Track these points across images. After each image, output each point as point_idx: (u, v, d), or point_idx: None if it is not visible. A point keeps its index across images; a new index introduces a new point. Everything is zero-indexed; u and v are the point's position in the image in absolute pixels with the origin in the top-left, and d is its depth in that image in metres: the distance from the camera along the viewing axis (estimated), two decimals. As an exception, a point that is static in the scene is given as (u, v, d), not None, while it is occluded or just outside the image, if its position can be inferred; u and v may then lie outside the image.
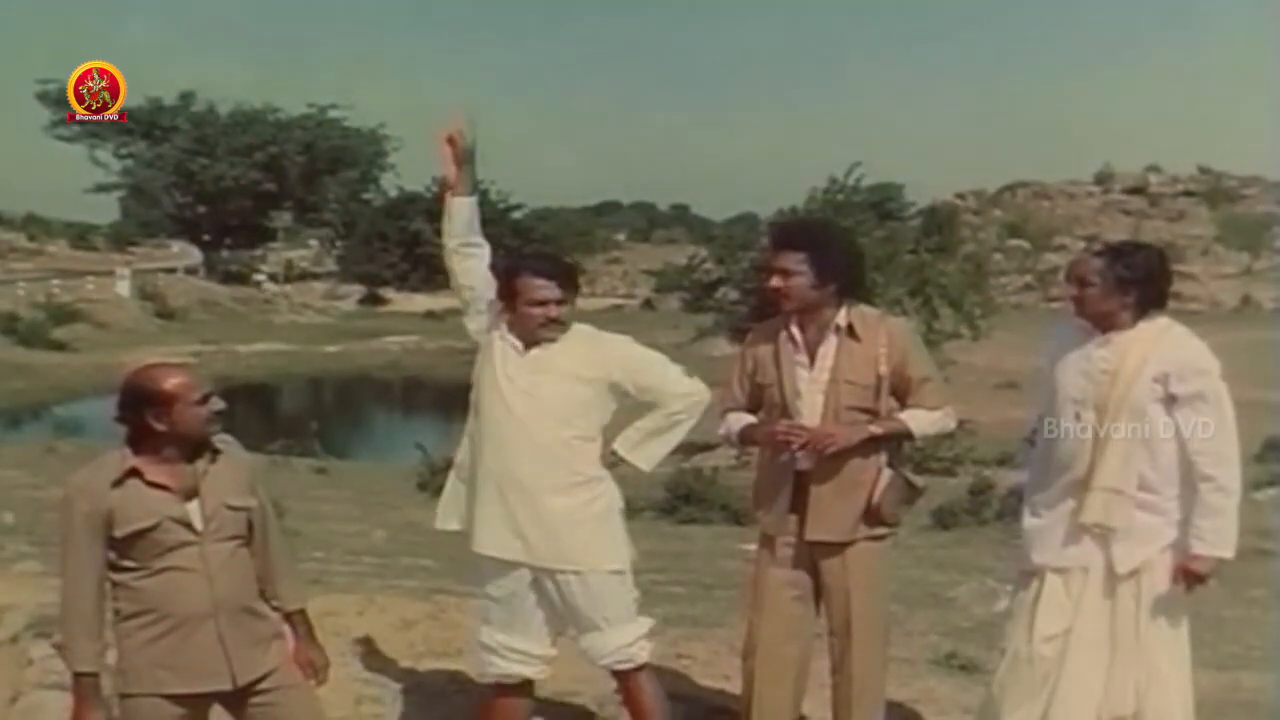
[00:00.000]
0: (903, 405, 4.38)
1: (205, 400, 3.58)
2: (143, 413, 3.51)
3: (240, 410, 35.85)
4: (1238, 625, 7.71)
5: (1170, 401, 4.10)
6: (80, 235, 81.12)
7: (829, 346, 4.33)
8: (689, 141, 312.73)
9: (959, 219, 64.51)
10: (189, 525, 3.54)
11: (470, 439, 4.45)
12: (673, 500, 14.12)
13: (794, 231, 4.67)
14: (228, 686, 3.62)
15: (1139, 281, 4.16)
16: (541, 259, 4.55)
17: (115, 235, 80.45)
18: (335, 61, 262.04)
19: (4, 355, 36.94)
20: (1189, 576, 4.13)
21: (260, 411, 33.85)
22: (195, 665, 3.56)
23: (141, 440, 3.54)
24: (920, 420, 4.35)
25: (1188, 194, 73.50)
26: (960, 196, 75.72)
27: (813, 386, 4.33)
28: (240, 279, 64.62)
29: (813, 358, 4.36)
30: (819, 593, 4.48)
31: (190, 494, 3.57)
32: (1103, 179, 76.70)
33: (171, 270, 61.43)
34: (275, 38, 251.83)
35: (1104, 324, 4.21)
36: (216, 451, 3.66)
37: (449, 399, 39.04)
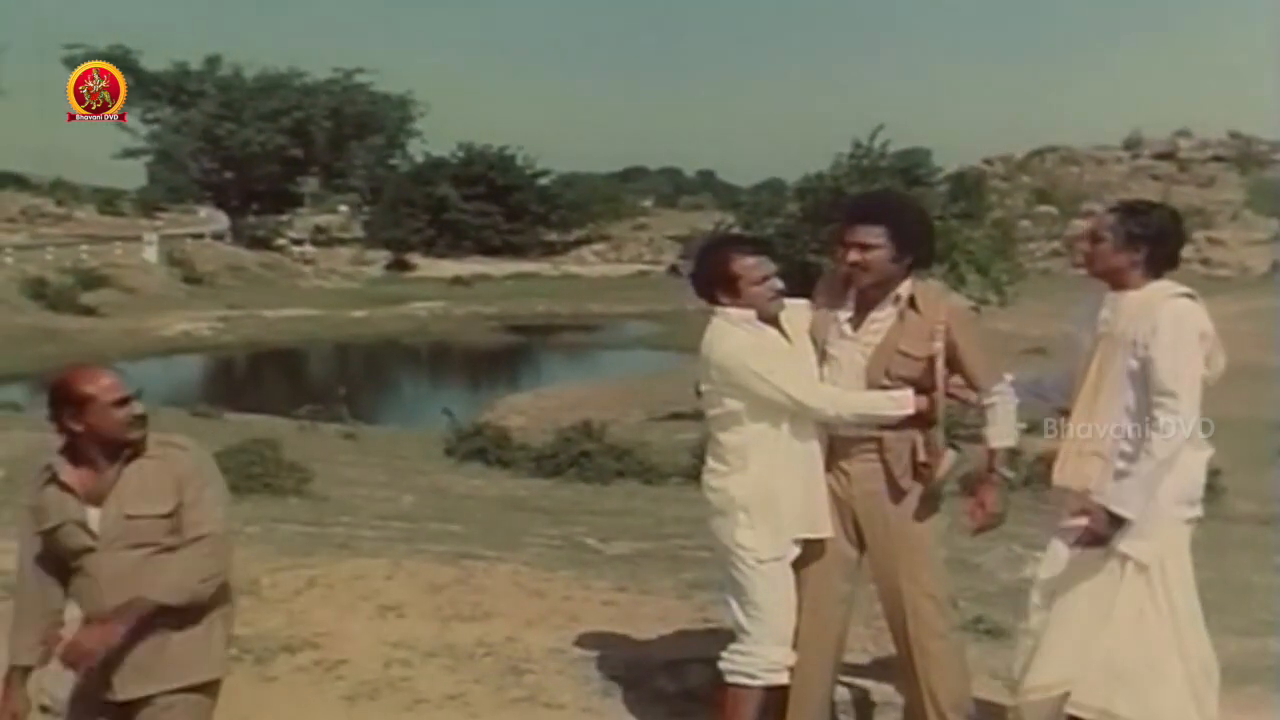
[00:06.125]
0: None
1: (125, 403, 3.50)
2: (61, 413, 3.50)
3: (268, 375, 36.09)
4: (1266, 591, 7.70)
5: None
6: (108, 201, 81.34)
7: (885, 314, 4.28)
8: (716, 107, 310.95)
9: (986, 185, 64.10)
10: (89, 531, 3.51)
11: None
12: (700, 466, 14.05)
13: (873, 205, 4.59)
14: (109, 698, 3.56)
15: (1150, 239, 4.14)
16: (740, 240, 4.91)
17: (142, 201, 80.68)
18: (364, 27, 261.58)
19: (33, 320, 37.15)
20: (1084, 527, 4.12)
21: (288, 377, 33.94)
22: (92, 671, 3.52)
23: (67, 441, 3.54)
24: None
25: (1217, 159, 72.63)
26: (988, 162, 74.99)
27: (853, 352, 4.28)
28: (267, 244, 64.71)
29: (860, 324, 4.30)
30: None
31: (97, 499, 3.52)
32: (1132, 144, 75.79)
33: (199, 236, 61.56)
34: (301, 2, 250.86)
35: (1114, 281, 4.19)
36: (137, 456, 3.54)
37: (476, 364, 39.33)
